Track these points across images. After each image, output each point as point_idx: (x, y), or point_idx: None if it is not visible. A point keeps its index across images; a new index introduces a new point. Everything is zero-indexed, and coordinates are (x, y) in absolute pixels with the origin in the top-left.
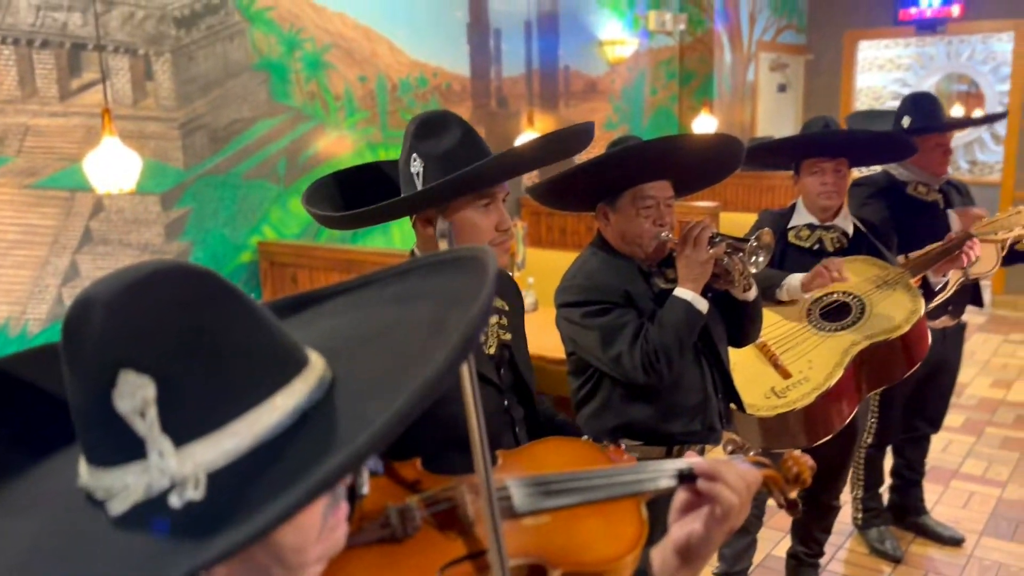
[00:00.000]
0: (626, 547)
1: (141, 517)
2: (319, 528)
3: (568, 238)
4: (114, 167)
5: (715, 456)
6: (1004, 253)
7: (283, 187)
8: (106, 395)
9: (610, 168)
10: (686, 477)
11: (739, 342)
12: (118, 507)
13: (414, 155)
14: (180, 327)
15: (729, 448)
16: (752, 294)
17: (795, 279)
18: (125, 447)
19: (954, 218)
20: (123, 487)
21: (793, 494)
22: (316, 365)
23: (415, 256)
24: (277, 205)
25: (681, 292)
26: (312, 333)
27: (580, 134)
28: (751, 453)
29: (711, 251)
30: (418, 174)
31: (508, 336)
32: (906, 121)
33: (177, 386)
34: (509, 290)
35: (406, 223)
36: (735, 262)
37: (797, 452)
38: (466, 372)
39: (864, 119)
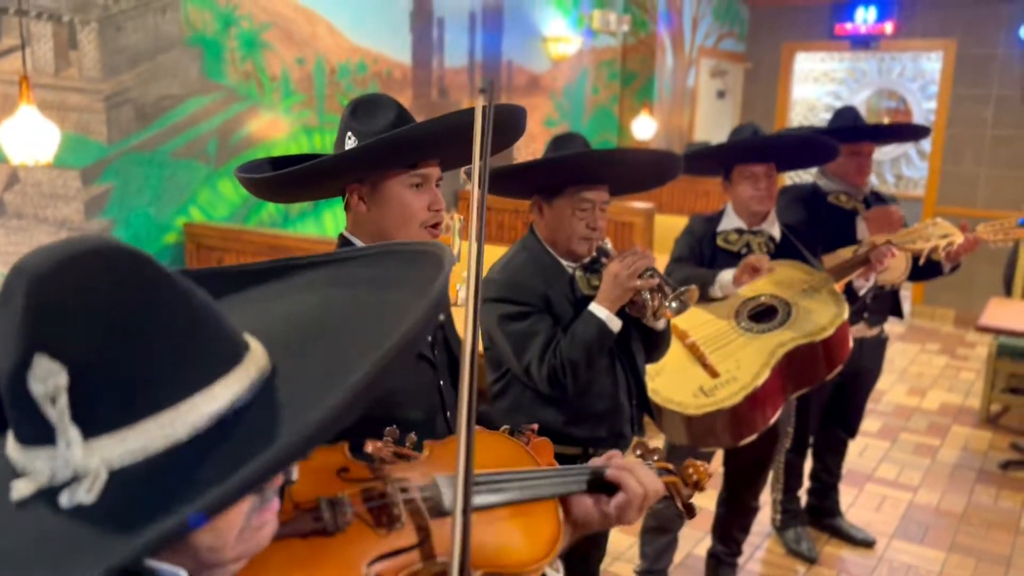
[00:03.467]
0: (544, 551)
1: (39, 505)
2: (239, 528)
3: (505, 233)
4: (30, 137)
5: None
6: (921, 263)
7: (213, 168)
8: (22, 375)
9: (559, 169)
10: (598, 483)
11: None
12: (25, 489)
13: (348, 133)
14: (105, 315)
15: (637, 452)
16: (661, 325)
17: (726, 275)
18: (40, 429)
19: (862, 225)
20: (33, 469)
21: (691, 499)
22: (254, 358)
23: (344, 238)
24: (206, 186)
25: (596, 309)
26: (262, 313)
27: (516, 116)
28: (656, 459)
29: (639, 282)
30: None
31: (442, 317)
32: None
33: (93, 376)
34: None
35: (339, 209)
36: (654, 299)
37: (697, 461)
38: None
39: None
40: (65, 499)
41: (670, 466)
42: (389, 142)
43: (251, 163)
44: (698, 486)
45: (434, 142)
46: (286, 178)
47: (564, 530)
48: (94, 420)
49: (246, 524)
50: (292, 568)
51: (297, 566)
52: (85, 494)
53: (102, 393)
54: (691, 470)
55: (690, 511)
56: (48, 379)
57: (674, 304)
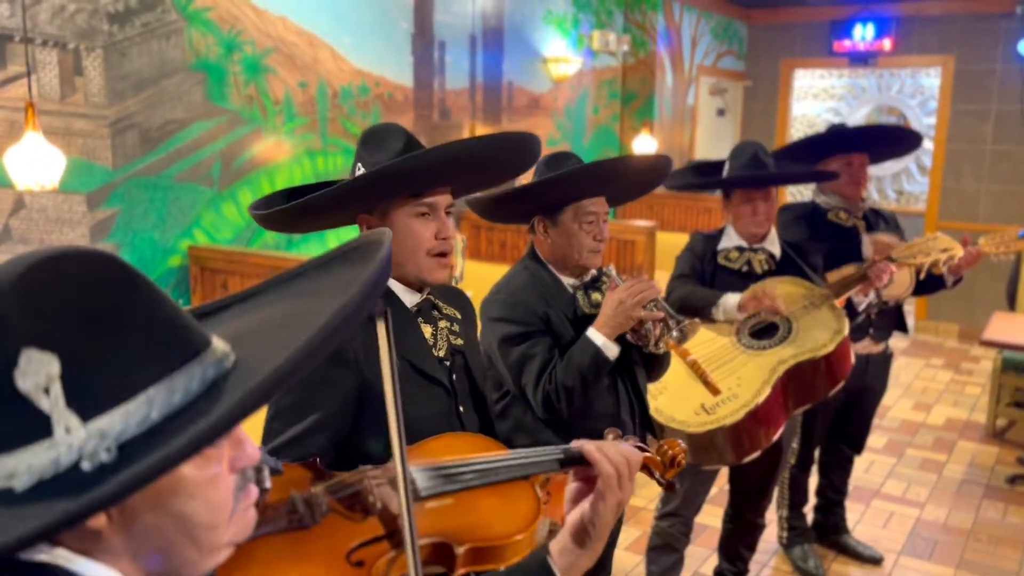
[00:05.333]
0: (523, 523)
1: (47, 490)
2: (231, 508)
3: (508, 252)
4: (36, 163)
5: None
6: (922, 277)
7: (217, 191)
8: (7, 376)
9: (561, 186)
10: (573, 460)
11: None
12: (22, 484)
13: (358, 164)
14: (81, 303)
15: (610, 437)
16: (661, 350)
17: (731, 300)
18: (27, 428)
19: (867, 242)
20: (27, 468)
21: (670, 475)
22: (218, 345)
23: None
24: (210, 209)
25: (594, 335)
26: (230, 325)
27: (526, 144)
28: (631, 441)
29: (643, 312)
30: None
31: (460, 342)
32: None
33: (81, 362)
34: (460, 301)
35: (343, 232)
36: (656, 328)
37: (672, 439)
38: (386, 363)
39: (791, 151)
40: (87, 464)
41: (644, 446)
42: (378, 175)
43: (264, 198)
44: (675, 462)
45: (430, 172)
46: (290, 212)
47: (556, 510)
48: (86, 403)
49: (235, 505)
50: (277, 564)
51: (282, 561)
52: (105, 455)
53: (90, 378)
54: (666, 447)
55: (671, 487)
56: (40, 370)
57: (676, 334)
